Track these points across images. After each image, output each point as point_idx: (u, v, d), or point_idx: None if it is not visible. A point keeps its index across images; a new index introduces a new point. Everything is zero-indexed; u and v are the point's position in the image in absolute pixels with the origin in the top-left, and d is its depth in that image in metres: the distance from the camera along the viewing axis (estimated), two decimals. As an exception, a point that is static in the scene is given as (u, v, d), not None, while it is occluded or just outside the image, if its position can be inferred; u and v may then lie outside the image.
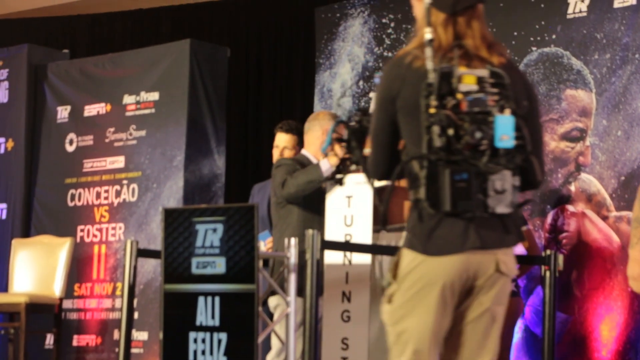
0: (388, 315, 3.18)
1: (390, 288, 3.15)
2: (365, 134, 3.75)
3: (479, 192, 3.02)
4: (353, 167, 5.45)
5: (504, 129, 3.02)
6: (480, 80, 3.05)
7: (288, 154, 6.04)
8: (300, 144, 6.09)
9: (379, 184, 5.24)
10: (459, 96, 3.02)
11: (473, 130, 3.00)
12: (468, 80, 3.05)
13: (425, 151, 3.03)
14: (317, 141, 5.72)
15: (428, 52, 3.07)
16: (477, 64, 3.11)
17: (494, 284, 3.14)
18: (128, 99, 8.70)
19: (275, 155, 6.16)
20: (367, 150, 3.56)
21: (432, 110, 3.01)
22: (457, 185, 3.00)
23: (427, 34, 3.09)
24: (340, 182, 5.20)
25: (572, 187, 6.65)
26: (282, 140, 6.17)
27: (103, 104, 8.86)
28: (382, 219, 3.83)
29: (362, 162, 3.58)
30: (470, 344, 3.18)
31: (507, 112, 3.04)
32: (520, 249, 6.47)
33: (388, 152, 3.24)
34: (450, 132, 3.00)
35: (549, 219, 6.76)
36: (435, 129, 3.00)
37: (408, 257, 3.12)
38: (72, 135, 9.01)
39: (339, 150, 5.40)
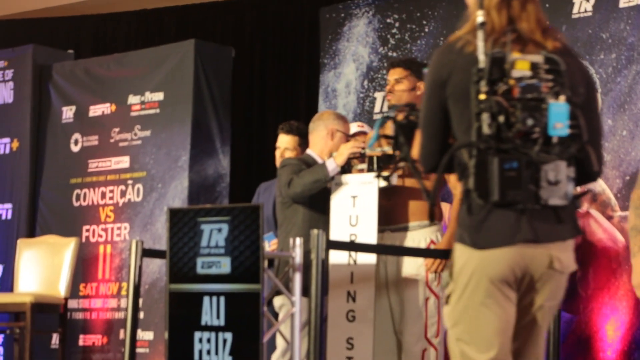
0: (447, 317, 3.05)
1: (449, 288, 3.03)
2: (414, 130, 3.59)
3: (530, 183, 2.88)
4: (360, 166, 5.47)
5: (558, 117, 2.89)
6: (534, 66, 2.92)
7: (289, 155, 6.04)
8: (302, 144, 6.09)
9: (383, 183, 5.26)
10: (511, 82, 2.90)
11: (525, 118, 2.87)
12: (521, 65, 2.92)
13: (475, 139, 2.91)
14: (322, 141, 5.72)
15: (480, 36, 2.94)
16: (532, 49, 2.99)
17: (548, 281, 3.01)
18: (133, 99, 8.71)
19: (277, 156, 6.16)
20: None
21: (482, 97, 2.90)
22: (507, 175, 2.87)
23: (479, 17, 2.96)
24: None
25: (578, 187, 6.64)
26: (284, 142, 6.17)
27: (108, 104, 8.87)
28: (430, 214, 3.59)
29: (410, 160, 3.47)
30: (520, 340, 3.05)
31: (562, 99, 2.91)
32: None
33: (439, 141, 3.10)
34: (501, 119, 2.88)
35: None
36: (485, 116, 2.89)
37: (459, 252, 3.00)
38: (77, 136, 9.02)
39: (353, 146, 5.41)
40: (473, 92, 2.92)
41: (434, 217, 3.18)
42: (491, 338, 2.96)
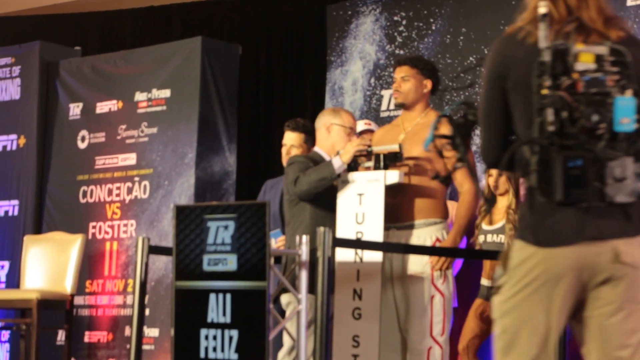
0: (495, 307, 2.97)
1: (501, 280, 2.94)
2: (471, 129, 3.46)
3: (595, 180, 2.77)
4: (366, 164, 5.47)
5: (625, 112, 2.77)
6: (598, 59, 2.80)
7: (295, 152, 6.04)
8: (308, 142, 6.09)
9: (392, 179, 5.25)
10: (575, 76, 2.77)
11: (589, 113, 2.75)
12: (585, 58, 2.79)
13: (537, 135, 2.80)
14: (323, 137, 5.75)
15: (542, 27, 2.82)
16: (595, 39, 2.87)
17: (622, 278, 2.84)
18: (140, 96, 8.71)
19: (283, 153, 6.17)
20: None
21: (544, 92, 2.78)
22: (571, 173, 2.76)
23: (542, 8, 2.84)
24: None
25: None
26: (290, 139, 6.17)
27: (115, 101, 8.87)
28: (486, 211, 3.44)
29: (467, 161, 3.36)
30: (604, 343, 2.89)
31: (629, 93, 2.78)
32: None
33: (500, 135, 2.99)
34: (565, 114, 2.76)
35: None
36: (548, 112, 2.77)
37: (518, 248, 2.89)
38: (84, 132, 9.03)
39: (359, 144, 5.41)
40: (535, 87, 2.81)
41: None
42: (536, 337, 2.88)
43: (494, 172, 6.41)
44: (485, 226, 6.39)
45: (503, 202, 6.39)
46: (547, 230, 2.84)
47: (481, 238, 6.39)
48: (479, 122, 3.12)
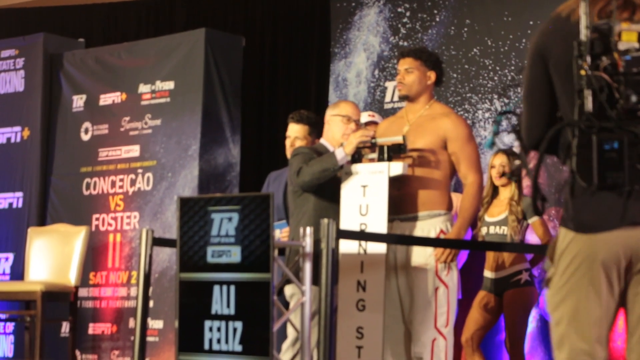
0: (548, 300, 2.89)
1: (550, 271, 2.88)
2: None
3: (637, 163, 2.69)
4: (370, 155, 5.47)
5: None
6: None
7: (299, 144, 6.04)
8: (311, 133, 6.10)
9: (396, 171, 5.25)
10: (616, 55, 2.69)
11: (629, 94, 2.67)
12: (627, 37, 2.70)
13: (577, 117, 2.73)
14: (325, 130, 5.77)
15: (583, 5, 2.75)
16: None
17: None
18: (143, 88, 8.71)
19: (287, 145, 6.17)
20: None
21: (583, 72, 2.70)
22: (607, 156, 2.69)
23: None
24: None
25: None
26: (293, 131, 6.17)
27: (118, 93, 8.87)
28: (536, 207, 3.27)
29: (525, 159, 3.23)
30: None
31: None
32: (534, 238, 6.47)
33: (543, 114, 2.91)
34: (603, 96, 2.68)
35: (565, 208, 6.73)
36: (587, 93, 2.69)
37: (561, 236, 2.84)
38: (87, 124, 9.03)
39: (362, 134, 5.41)
40: (575, 68, 2.74)
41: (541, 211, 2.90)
42: (590, 325, 2.81)
43: (496, 162, 6.41)
44: (487, 218, 6.39)
45: (505, 194, 6.39)
46: (588, 215, 2.78)
47: (484, 230, 6.39)
48: (522, 100, 3.03)
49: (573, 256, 2.80)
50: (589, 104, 2.71)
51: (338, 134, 5.64)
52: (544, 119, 2.91)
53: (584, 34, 2.72)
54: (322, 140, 5.77)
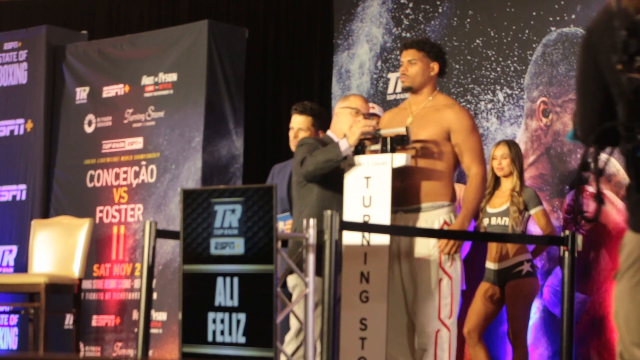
0: (614, 294, 2.87)
1: (620, 267, 2.83)
2: None
3: None
4: (373, 147, 5.46)
5: None
6: None
7: (303, 135, 6.04)
8: (315, 125, 6.10)
9: (399, 162, 5.24)
10: None
11: None
12: None
13: (623, 119, 2.63)
14: (333, 122, 5.76)
15: None
16: None
17: None
18: (146, 80, 8.71)
19: (291, 136, 6.17)
20: None
21: (619, 67, 2.56)
22: None
23: None
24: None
25: (591, 168, 6.61)
26: (297, 122, 6.17)
27: (121, 85, 8.87)
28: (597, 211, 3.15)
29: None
30: None
31: None
32: (536, 229, 6.47)
33: (594, 107, 2.79)
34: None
35: (568, 199, 6.74)
36: (623, 95, 2.59)
37: (625, 235, 2.80)
38: (90, 116, 9.03)
39: (365, 124, 5.41)
40: (613, 63, 2.60)
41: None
42: (637, 327, 2.75)
43: (497, 154, 6.41)
44: (489, 209, 6.39)
45: (507, 185, 6.39)
46: (638, 216, 2.73)
47: (485, 221, 6.39)
48: (575, 89, 2.93)
49: (627, 254, 2.77)
50: (623, 107, 2.63)
51: (346, 126, 5.63)
52: (597, 112, 2.79)
53: (619, 27, 2.56)
54: (329, 133, 5.77)
